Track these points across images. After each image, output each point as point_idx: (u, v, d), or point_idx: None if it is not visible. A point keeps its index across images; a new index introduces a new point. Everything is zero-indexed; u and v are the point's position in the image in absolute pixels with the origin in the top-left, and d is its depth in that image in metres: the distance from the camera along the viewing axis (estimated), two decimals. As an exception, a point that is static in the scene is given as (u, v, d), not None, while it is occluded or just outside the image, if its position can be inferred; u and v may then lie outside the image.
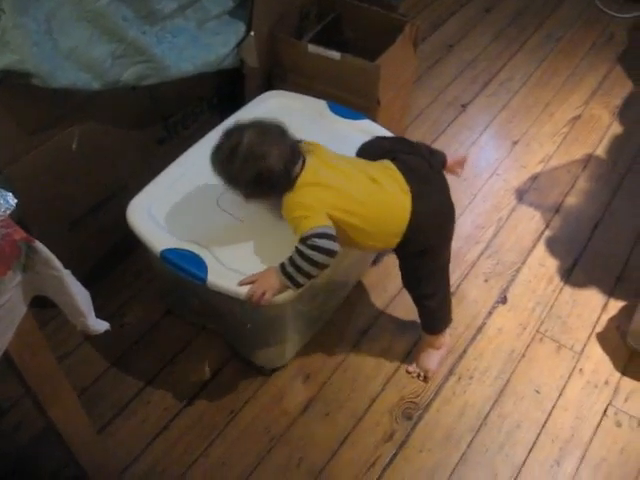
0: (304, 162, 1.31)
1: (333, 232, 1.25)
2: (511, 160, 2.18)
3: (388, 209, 1.34)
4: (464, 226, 1.96)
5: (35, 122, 1.39)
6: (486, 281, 1.83)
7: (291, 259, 1.27)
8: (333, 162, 1.35)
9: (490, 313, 1.76)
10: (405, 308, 1.73)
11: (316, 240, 1.24)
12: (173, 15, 1.50)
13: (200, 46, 1.59)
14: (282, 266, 1.29)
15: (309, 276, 1.27)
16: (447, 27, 2.73)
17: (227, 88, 1.79)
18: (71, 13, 1.31)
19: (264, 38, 1.75)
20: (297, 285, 1.29)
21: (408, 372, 1.62)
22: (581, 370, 1.64)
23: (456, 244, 1.87)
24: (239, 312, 1.52)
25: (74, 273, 1.63)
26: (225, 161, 1.29)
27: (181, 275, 1.37)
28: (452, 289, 1.79)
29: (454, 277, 1.82)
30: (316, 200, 1.28)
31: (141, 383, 1.58)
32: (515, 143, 2.23)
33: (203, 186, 1.52)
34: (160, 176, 1.54)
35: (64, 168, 1.50)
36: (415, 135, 2.20)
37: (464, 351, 1.68)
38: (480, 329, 1.72)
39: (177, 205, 1.49)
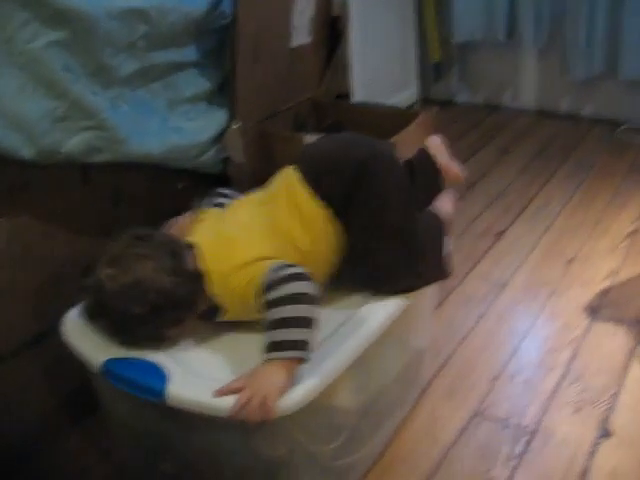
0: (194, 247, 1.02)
1: (285, 261, 0.95)
2: (571, 278, 1.76)
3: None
4: (530, 352, 1.50)
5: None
6: (576, 412, 1.32)
7: (271, 323, 0.90)
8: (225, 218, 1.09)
9: (592, 452, 1.22)
10: (469, 460, 1.22)
11: (275, 275, 0.92)
12: (134, 82, 1.22)
13: (169, 128, 1.29)
14: (270, 345, 0.88)
15: (306, 322, 0.89)
16: (465, 168, 2.47)
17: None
18: (-3, 53, 1.02)
19: (251, 133, 1.46)
20: (303, 347, 0.88)
21: None
22: None
23: (525, 372, 1.42)
24: (228, 468, 1.03)
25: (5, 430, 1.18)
26: (98, 317, 0.99)
27: (130, 391, 0.92)
28: (532, 426, 1.29)
29: (531, 411, 1.32)
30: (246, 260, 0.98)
31: None
32: (570, 261, 1.83)
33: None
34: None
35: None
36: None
37: (569, 507, 1.12)
38: (584, 474, 1.18)
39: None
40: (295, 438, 0.96)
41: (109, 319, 0.97)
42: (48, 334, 1.22)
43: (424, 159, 1.27)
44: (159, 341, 1.01)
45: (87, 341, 1.00)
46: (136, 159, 1.22)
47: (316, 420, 0.98)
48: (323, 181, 1.05)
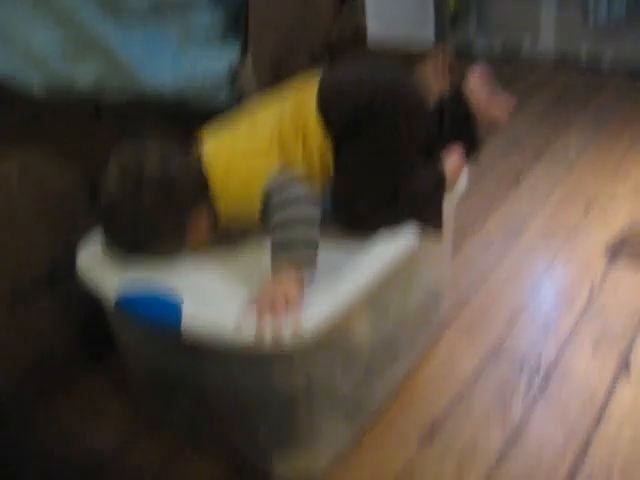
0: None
1: (292, 173, 0.97)
2: (589, 221, 1.73)
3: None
4: (549, 293, 1.48)
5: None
6: (595, 350, 1.30)
7: (275, 227, 0.92)
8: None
9: (612, 389, 1.22)
10: (486, 396, 1.22)
11: (277, 179, 0.95)
12: (146, 15, 1.19)
13: (181, 60, 1.26)
14: (276, 248, 0.91)
15: (309, 222, 0.92)
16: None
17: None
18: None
19: (265, 71, 1.42)
20: (309, 246, 0.91)
21: None
22: None
23: (544, 311, 1.40)
24: (245, 402, 1.03)
25: (19, 368, 1.19)
26: (116, 235, 1.00)
27: (145, 322, 0.92)
28: (550, 364, 1.28)
29: (549, 349, 1.31)
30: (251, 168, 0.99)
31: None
32: (590, 205, 1.80)
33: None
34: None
35: (2, 211, 1.11)
36: (466, 205, 1.79)
37: (587, 442, 1.11)
38: (603, 411, 1.17)
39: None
40: (312, 370, 0.95)
41: (126, 231, 0.97)
42: (63, 269, 1.22)
43: (456, 101, 1.20)
44: (179, 249, 1.01)
45: (101, 273, 0.99)
46: (149, 95, 1.20)
47: (333, 352, 0.98)
48: (338, 98, 1.03)
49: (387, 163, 1.05)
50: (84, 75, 1.11)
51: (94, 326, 1.24)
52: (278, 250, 0.91)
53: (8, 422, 1.20)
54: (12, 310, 1.16)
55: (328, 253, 0.97)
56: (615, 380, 1.23)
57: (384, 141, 1.05)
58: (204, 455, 1.13)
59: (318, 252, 0.91)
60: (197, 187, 0.99)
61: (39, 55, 1.06)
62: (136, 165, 0.97)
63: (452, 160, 1.17)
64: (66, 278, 1.21)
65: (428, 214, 1.08)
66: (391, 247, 1.01)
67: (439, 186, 1.12)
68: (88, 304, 1.14)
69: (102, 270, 1.00)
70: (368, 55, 1.20)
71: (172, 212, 0.97)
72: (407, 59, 1.56)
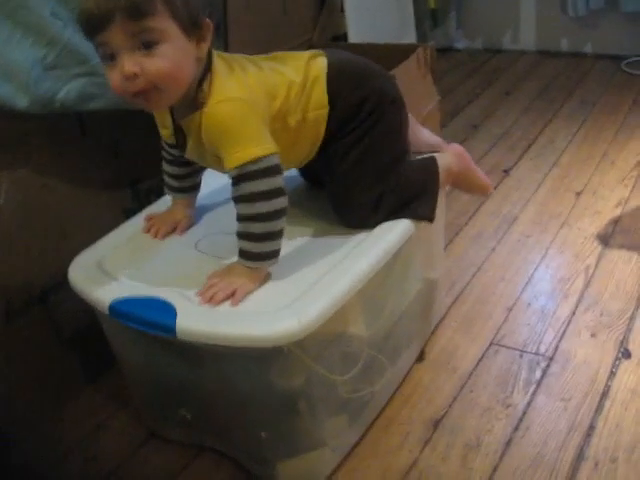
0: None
1: (278, 159, 0.91)
2: (580, 209, 1.73)
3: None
4: (544, 281, 1.48)
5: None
6: (593, 336, 1.30)
7: (245, 234, 0.93)
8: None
9: (613, 373, 1.21)
10: (487, 388, 1.21)
11: (263, 181, 0.89)
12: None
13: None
14: (243, 254, 0.94)
15: (278, 235, 0.93)
16: (467, 111, 2.44)
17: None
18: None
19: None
20: (273, 257, 0.94)
21: None
22: None
23: (541, 300, 1.40)
24: (245, 407, 1.02)
25: (15, 387, 1.18)
26: None
27: (139, 328, 0.91)
28: (550, 352, 1.27)
29: (548, 337, 1.31)
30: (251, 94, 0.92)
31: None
32: (579, 193, 1.81)
33: (176, 236, 1.12)
34: (117, 229, 1.14)
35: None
36: (456, 204, 1.80)
37: (591, 426, 1.11)
38: (606, 395, 1.17)
39: (140, 257, 1.07)
40: (311, 367, 0.95)
41: None
42: (54, 289, 1.21)
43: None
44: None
45: (94, 281, 0.99)
46: (131, 107, 1.19)
47: (330, 348, 0.97)
48: (344, 82, 1.02)
49: (387, 156, 1.07)
50: (68, 91, 1.10)
51: (92, 343, 1.24)
52: (242, 240, 0.93)
53: (7, 440, 1.19)
54: (6, 329, 1.15)
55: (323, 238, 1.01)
56: (616, 362, 1.23)
57: (386, 137, 1.06)
58: (207, 467, 1.12)
59: (281, 243, 0.94)
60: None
61: (21, 74, 1.04)
62: None
63: (453, 147, 1.19)
64: (58, 298, 1.21)
65: (421, 204, 1.08)
66: (386, 240, 1.01)
67: (432, 176, 1.13)
68: (84, 321, 1.14)
69: (95, 279, 0.99)
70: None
71: None
72: (390, 55, 1.57)
